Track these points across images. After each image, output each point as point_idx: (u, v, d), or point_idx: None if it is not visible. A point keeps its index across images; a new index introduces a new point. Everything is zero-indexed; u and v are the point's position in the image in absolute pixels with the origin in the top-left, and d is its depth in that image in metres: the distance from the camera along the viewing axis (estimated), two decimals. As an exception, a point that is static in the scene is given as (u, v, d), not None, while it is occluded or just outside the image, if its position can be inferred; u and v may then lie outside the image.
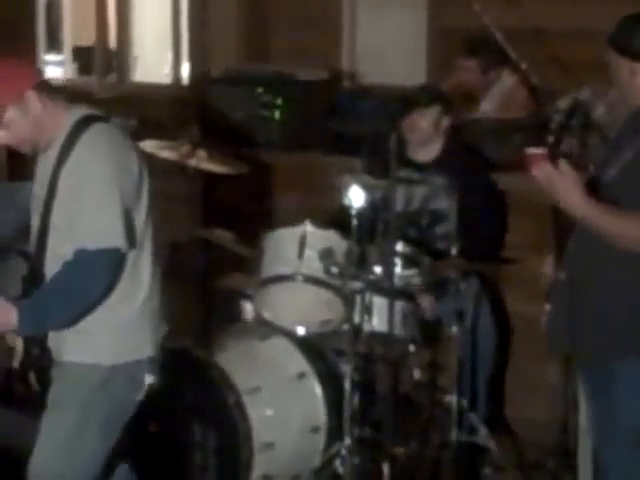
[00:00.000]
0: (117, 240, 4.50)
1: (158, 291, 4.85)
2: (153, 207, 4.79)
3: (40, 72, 4.76)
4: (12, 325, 4.50)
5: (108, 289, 4.57)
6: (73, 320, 4.55)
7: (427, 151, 6.51)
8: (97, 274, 4.54)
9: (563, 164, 4.54)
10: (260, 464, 5.64)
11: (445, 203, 6.20)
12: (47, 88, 4.71)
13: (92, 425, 4.71)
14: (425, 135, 6.50)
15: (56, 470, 4.63)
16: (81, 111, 4.72)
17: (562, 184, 4.54)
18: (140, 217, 4.69)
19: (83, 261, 4.51)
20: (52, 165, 4.60)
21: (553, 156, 4.57)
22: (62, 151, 4.58)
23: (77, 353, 4.65)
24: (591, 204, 4.51)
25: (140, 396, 4.87)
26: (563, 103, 5.36)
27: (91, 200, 4.52)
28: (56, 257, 4.59)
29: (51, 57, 11.69)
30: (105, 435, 4.76)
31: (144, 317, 4.76)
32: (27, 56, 11.07)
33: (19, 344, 4.69)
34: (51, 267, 4.61)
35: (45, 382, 4.74)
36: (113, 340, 4.68)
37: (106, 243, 4.49)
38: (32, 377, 4.78)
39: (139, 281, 4.73)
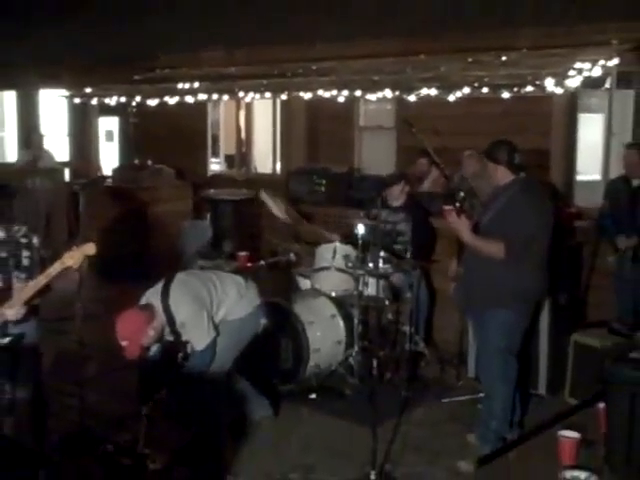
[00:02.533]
0: (210, 337, 4.50)
1: (245, 284, 4.81)
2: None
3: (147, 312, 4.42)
4: None
5: (213, 354, 4.58)
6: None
7: (397, 202, 6.40)
8: (204, 360, 4.56)
9: (462, 216, 4.59)
10: (313, 359, 5.63)
11: (404, 227, 6.17)
12: (148, 313, 4.40)
13: (232, 344, 4.73)
14: (396, 195, 6.40)
15: (216, 367, 4.62)
16: (157, 299, 4.48)
17: (460, 225, 4.60)
18: (219, 298, 4.63)
19: (199, 355, 4.54)
20: (169, 328, 4.48)
21: (457, 211, 4.62)
22: (170, 321, 4.45)
23: (231, 314, 4.69)
24: (473, 236, 4.58)
25: (258, 330, 4.88)
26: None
27: (192, 324, 4.48)
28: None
29: (214, 160, 11.74)
30: (236, 348, 4.77)
31: (249, 297, 4.78)
32: (202, 160, 11.24)
33: None
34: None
35: None
36: (241, 307, 4.72)
37: (206, 342, 4.50)
38: None
39: (233, 298, 4.72)
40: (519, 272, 4.53)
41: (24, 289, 3.90)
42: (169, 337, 4.58)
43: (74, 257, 3.85)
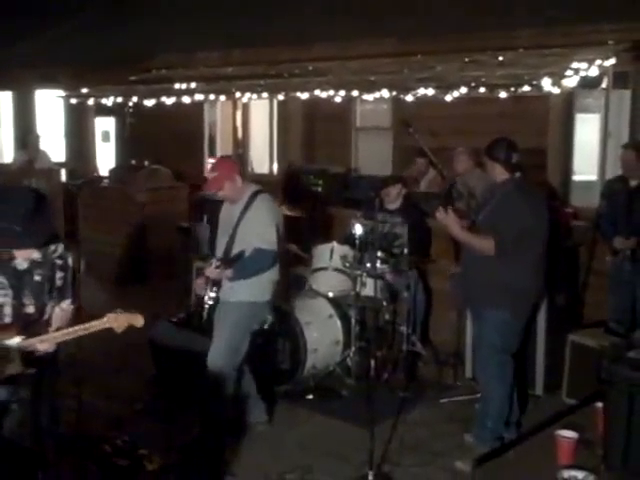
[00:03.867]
0: (274, 246, 4.69)
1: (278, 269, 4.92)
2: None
3: (240, 166, 4.96)
4: (227, 277, 4.69)
5: (269, 267, 4.73)
6: (252, 277, 4.70)
7: (394, 205, 6.43)
8: (266, 260, 4.71)
9: (449, 211, 4.63)
10: (310, 359, 5.65)
11: (400, 230, 6.15)
12: (242, 174, 4.85)
13: (239, 335, 4.75)
14: (393, 197, 6.43)
15: (221, 360, 4.66)
16: (253, 187, 4.83)
17: (447, 221, 4.64)
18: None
19: (261, 253, 4.67)
20: (239, 212, 4.72)
21: (443, 206, 4.69)
22: (245, 206, 4.71)
23: (236, 296, 4.72)
24: (462, 231, 4.63)
25: (260, 324, 4.94)
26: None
27: (261, 227, 4.67)
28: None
29: (211, 160, 11.62)
30: (244, 341, 4.79)
31: (270, 281, 4.83)
32: (199, 160, 11.19)
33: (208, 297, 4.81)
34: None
35: (210, 317, 4.80)
36: (254, 290, 4.73)
37: (271, 247, 4.68)
38: (204, 314, 4.80)
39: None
40: (515, 271, 4.53)
41: (59, 333, 3.69)
42: (224, 236, 4.80)
43: (118, 321, 3.64)
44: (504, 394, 4.70)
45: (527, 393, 5.41)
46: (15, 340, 3.61)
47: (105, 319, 3.63)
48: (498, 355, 4.64)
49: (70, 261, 3.89)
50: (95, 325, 3.62)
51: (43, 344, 3.65)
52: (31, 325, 3.71)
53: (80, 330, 3.64)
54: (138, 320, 3.70)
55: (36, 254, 3.74)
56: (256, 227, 4.68)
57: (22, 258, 3.72)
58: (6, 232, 3.37)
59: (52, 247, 3.80)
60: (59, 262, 3.83)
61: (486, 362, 4.74)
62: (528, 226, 4.51)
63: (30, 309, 3.77)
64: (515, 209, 4.53)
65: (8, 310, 3.71)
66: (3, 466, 2.92)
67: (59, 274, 3.84)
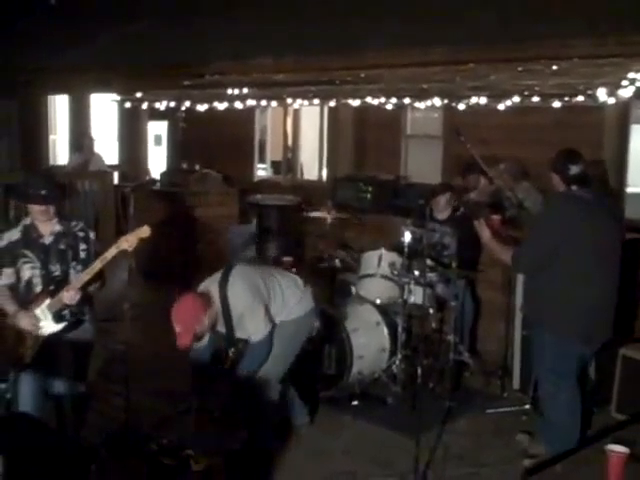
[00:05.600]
0: (268, 328, 4.46)
1: (303, 286, 4.79)
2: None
3: (208, 302, 4.40)
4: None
5: (270, 348, 4.54)
6: (263, 362, 4.54)
7: (443, 214, 6.41)
8: (263, 350, 4.50)
9: (481, 221, 4.70)
10: (356, 366, 5.63)
11: (449, 240, 6.15)
12: (204, 305, 4.37)
13: (291, 347, 4.71)
14: (443, 207, 6.41)
15: (275, 371, 4.64)
16: (214, 286, 4.44)
17: (478, 227, 4.72)
18: (277, 294, 4.60)
19: (257, 346, 4.48)
20: (220, 303, 4.45)
21: (473, 214, 4.71)
22: (222, 300, 4.42)
23: (290, 314, 4.66)
24: (488, 240, 4.74)
25: (312, 332, 4.87)
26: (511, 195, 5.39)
27: (251, 320, 4.45)
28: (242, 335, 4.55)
29: (260, 165, 11.73)
30: (295, 351, 4.76)
31: (307, 298, 4.75)
32: (249, 165, 11.26)
33: None
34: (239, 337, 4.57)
35: None
36: (300, 307, 4.69)
37: (265, 333, 4.45)
38: None
39: (292, 296, 4.70)
40: (552, 289, 4.40)
41: (80, 275, 4.09)
42: (221, 329, 4.55)
43: (129, 240, 4.02)
44: (556, 417, 4.49)
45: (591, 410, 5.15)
46: (46, 302, 4.09)
47: (117, 244, 4.04)
48: (548, 377, 4.52)
49: (92, 235, 4.37)
50: (110, 252, 4.04)
51: (69, 292, 4.04)
52: (58, 285, 4.11)
53: (98, 263, 4.06)
54: (145, 231, 4.07)
55: (58, 226, 4.23)
56: (246, 321, 4.46)
57: (47, 233, 4.20)
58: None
59: (73, 222, 4.32)
60: (81, 234, 4.30)
61: (541, 379, 4.67)
62: (558, 241, 4.31)
63: (56, 273, 4.21)
64: (544, 223, 4.43)
65: (37, 280, 4.20)
66: (59, 459, 3.00)
67: (82, 245, 4.29)
